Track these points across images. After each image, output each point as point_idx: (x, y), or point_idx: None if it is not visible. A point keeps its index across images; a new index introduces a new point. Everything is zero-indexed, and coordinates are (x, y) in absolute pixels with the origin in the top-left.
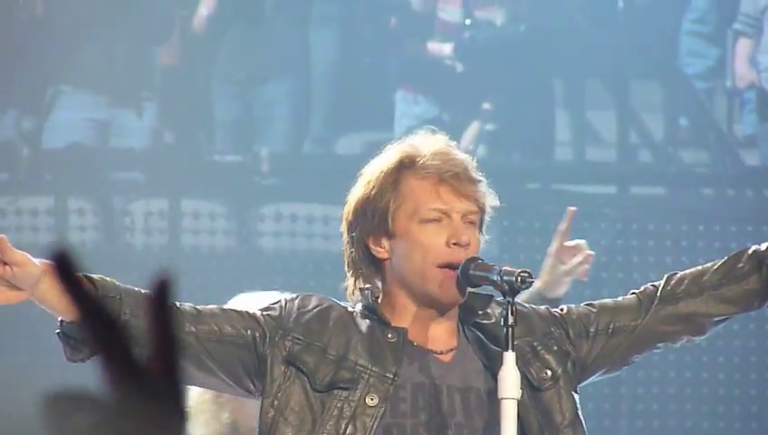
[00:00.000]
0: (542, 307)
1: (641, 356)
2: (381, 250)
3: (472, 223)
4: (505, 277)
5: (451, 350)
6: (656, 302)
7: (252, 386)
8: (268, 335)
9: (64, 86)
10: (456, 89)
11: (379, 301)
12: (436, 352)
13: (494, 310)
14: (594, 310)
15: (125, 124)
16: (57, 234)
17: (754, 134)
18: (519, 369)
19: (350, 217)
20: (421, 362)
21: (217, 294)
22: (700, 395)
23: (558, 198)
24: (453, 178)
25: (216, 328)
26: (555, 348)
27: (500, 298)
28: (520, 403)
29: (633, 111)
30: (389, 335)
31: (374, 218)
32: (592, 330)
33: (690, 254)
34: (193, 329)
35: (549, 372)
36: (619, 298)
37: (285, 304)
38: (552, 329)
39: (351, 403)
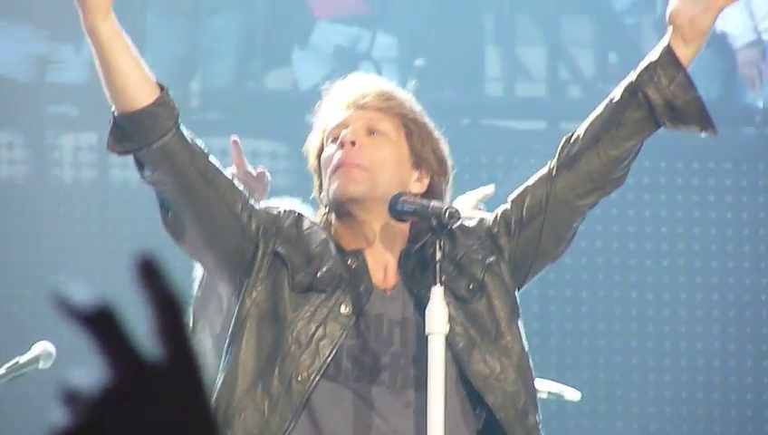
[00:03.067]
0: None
1: (574, 226)
2: (315, 188)
3: (375, 131)
4: (433, 212)
5: (393, 283)
6: (556, 171)
7: (233, 270)
8: (262, 227)
9: (2, 19)
10: (388, 24)
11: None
12: (379, 286)
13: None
14: (509, 205)
15: (63, 59)
16: None
17: None
18: (446, 287)
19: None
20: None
21: (147, 227)
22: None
23: (488, 133)
24: (346, 96)
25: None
26: (479, 257)
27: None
28: (454, 322)
29: (563, 47)
30: (350, 261)
31: (314, 171)
32: (512, 224)
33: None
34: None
35: (473, 284)
36: (535, 175)
37: (284, 211)
38: (477, 239)
39: (325, 308)
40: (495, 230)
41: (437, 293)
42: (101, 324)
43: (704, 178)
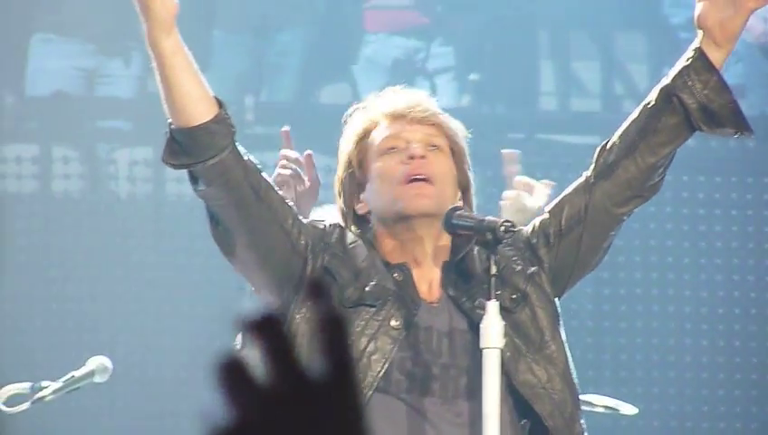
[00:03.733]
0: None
1: (612, 235)
2: (361, 205)
3: (435, 147)
4: (489, 227)
5: (438, 296)
6: (594, 180)
7: (281, 285)
8: (311, 243)
9: (51, 34)
10: (442, 39)
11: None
12: (425, 299)
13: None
14: (547, 215)
15: (111, 73)
16: (41, 181)
17: (743, 84)
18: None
19: (338, 188)
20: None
21: (202, 242)
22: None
23: (542, 147)
24: (400, 110)
25: (280, 213)
26: (520, 267)
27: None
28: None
29: (618, 62)
30: (396, 274)
31: (348, 182)
32: (552, 235)
33: (674, 204)
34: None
35: (517, 294)
36: (572, 185)
37: (329, 225)
38: (516, 250)
39: (375, 322)
40: (535, 241)
41: (493, 307)
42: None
43: (692, 192)
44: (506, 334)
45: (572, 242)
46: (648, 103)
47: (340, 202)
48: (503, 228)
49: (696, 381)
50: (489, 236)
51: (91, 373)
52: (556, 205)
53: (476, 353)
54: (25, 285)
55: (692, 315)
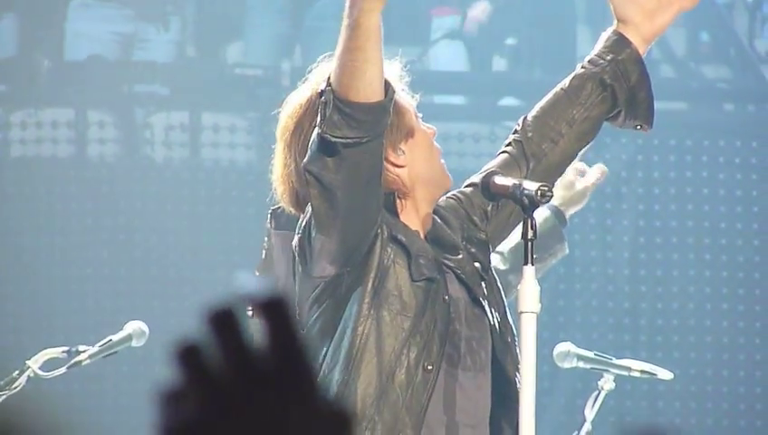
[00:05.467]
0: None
1: None
2: (402, 157)
3: None
4: (525, 192)
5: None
6: (528, 169)
7: (348, 262)
8: (379, 219)
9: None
10: (479, 2)
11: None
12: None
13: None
14: (479, 190)
15: (149, 37)
16: (77, 146)
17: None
18: (481, 263)
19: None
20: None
21: (237, 207)
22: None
23: None
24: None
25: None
26: (476, 239)
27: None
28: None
29: None
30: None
31: (393, 126)
32: (489, 209)
33: (711, 168)
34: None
35: (480, 264)
36: (490, 163)
37: None
38: (464, 223)
39: (436, 295)
40: (475, 217)
41: (530, 271)
42: (224, 321)
43: (729, 157)
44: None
45: (504, 217)
46: (577, 89)
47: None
48: (539, 193)
49: (732, 346)
50: (526, 201)
51: (129, 338)
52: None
53: (481, 324)
54: (61, 250)
55: (728, 280)
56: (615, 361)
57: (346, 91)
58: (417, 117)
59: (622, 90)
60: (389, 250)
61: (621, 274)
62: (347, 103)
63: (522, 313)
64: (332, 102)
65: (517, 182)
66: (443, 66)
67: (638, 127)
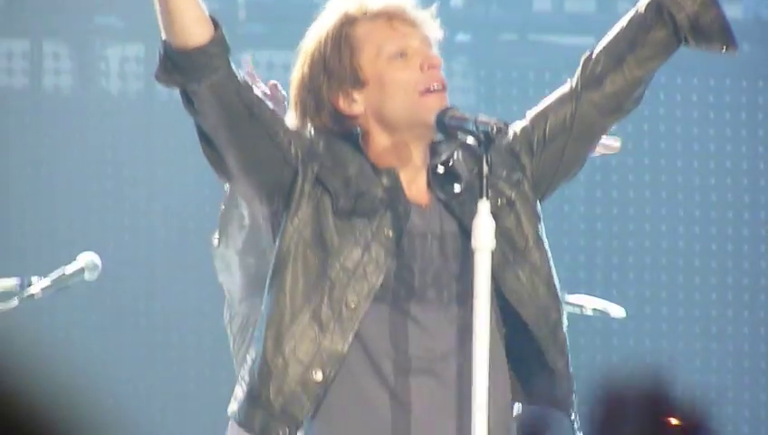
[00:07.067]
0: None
1: (592, 146)
2: (355, 104)
3: (431, 48)
4: (481, 127)
5: (427, 199)
6: (581, 90)
7: (272, 196)
8: (301, 153)
9: None
10: None
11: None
12: (415, 203)
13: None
14: (528, 123)
15: None
16: (32, 78)
17: None
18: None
19: (305, 80)
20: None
21: (193, 139)
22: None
23: (536, 49)
24: (401, 11)
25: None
26: (505, 174)
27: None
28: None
29: None
30: (384, 180)
31: (336, 75)
32: (535, 143)
33: (684, 106)
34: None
35: (503, 199)
36: (555, 93)
37: (315, 133)
38: (498, 156)
39: (369, 232)
40: (518, 148)
41: (484, 207)
42: None
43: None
44: (494, 240)
45: (556, 151)
46: (637, 15)
47: (308, 96)
48: (495, 129)
49: (688, 284)
50: (481, 136)
51: (81, 271)
52: (539, 113)
53: (467, 257)
54: (15, 181)
55: (685, 218)
56: (567, 297)
57: (169, 38)
58: (402, 54)
59: (682, 12)
60: (315, 188)
61: (577, 210)
62: (169, 50)
63: (476, 250)
64: (161, 49)
65: (473, 117)
66: None
67: (723, 49)
